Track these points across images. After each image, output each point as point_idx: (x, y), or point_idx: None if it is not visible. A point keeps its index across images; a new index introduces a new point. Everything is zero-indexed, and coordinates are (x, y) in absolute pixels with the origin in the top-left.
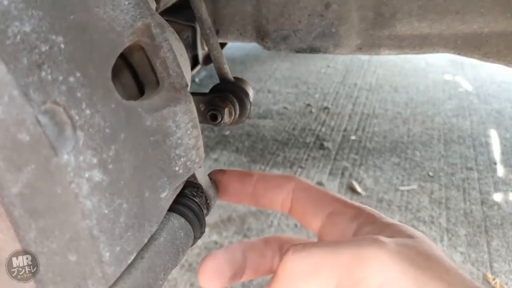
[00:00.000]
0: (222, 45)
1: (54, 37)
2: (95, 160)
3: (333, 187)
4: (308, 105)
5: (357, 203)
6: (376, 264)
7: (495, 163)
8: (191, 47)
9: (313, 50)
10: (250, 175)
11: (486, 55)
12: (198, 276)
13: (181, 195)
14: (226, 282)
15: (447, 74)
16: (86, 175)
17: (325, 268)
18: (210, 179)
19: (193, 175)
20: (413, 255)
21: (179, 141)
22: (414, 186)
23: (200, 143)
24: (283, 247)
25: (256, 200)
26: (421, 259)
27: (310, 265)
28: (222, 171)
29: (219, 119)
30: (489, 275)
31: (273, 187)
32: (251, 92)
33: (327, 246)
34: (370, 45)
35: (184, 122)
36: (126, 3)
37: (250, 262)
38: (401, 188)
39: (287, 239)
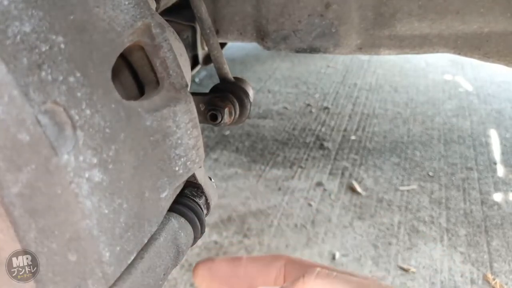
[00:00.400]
0: (222, 45)
1: (54, 37)
2: (95, 160)
3: (333, 187)
4: (308, 105)
5: (343, 270)
6: None
7: (495, 163)
8: (191, 47)
9: (313, 50)
10: (239, 259)
11: (486, 55)
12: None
13: (181, 195)
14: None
15: (447, 74)
16: (86, 175)
17: None
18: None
19: (193, 175)
20: None
21: (179, 141)
22: (414, 186)
23: (200, 143)
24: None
25: (250, 283)
26: None
27: None
28: (210, 260)
29: (219, 119)
30: (489, 275)
31: (264, 266)
32: (251, 92)
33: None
34: (370, 45)
35: (184, 122)
36: (126, 3)
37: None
38: (401, 188)
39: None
